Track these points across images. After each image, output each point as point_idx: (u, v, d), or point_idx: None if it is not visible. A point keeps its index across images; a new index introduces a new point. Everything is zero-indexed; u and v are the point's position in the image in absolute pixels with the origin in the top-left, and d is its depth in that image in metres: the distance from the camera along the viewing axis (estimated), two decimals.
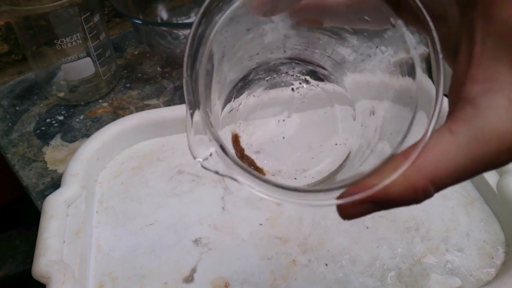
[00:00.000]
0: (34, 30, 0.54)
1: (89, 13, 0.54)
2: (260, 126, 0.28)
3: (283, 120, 0.28)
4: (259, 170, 0.27)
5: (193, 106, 0.22)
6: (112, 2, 0.58)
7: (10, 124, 0.57)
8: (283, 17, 0.24)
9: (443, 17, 0.19)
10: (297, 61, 0.27)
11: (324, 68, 0.26)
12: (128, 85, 0.62)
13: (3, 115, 0.59)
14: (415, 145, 0.17)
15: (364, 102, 0.26)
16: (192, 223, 0.44)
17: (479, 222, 0.43)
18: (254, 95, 0.27)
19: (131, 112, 0.57)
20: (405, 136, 0.19)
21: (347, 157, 0.26)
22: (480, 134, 0.16)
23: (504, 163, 0.17)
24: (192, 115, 0.22)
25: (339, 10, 0.21)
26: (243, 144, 0.28)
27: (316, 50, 0.26)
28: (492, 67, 0.16)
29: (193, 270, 0.40)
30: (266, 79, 0.27)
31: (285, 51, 0.27)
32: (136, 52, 0.68)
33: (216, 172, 0.22)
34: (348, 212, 0.18)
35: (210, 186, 0.47)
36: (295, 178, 0.27)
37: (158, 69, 0.65)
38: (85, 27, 0.54)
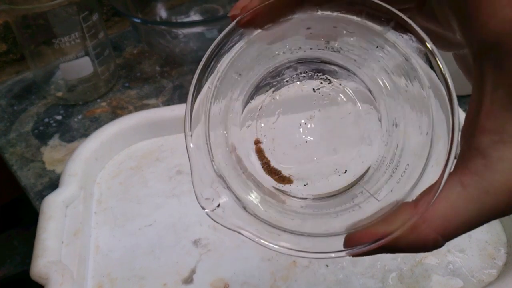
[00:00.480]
0: (32, 29, 0.54)
1: (87, 12, 0.54)
2: (282, 130, 0.27)
3: (305, 123, 0.27)
4: (286, 179, 0.27)
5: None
6: (111, 1, 0.57)
7: (8, 124, 0.57)
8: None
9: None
10: (311, 61, 0.26)
11: (341, 66, 0.26)
12: (126, 84, 0.62)
13: (1, 114, 0.58)
14: (425, 197, 0.17)
15: (387, 108, 0.25)
16: (191, 224, 0.43)
17: None
18: (273, 98, 0.27)
19: (129, 112, 0.57)
20: (417, 181, 0.19)
21: (367, 170, 0.25)
22: (490, 188, 0.16)
23: (506, 211, 0.17)
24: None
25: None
26: (268, 154, 0.27)
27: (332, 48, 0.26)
28: (502, 117, 0.16)
29: (193, 271, 0.40)
30: (285, 79, 0.27)
31: (297, 52, 0.26)
32: (135, 51, 0.68)
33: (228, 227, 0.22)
34: (356, 254, 0.19)
35: None
36: (317, 184, 0.27)
37: (157, 68, 0.64)
38: (83, 26, 0.54)
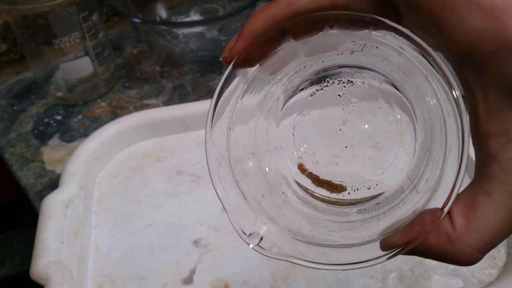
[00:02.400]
0: (32, 29, 0.54)
1: (87, 12, 0.54)
2: (320, 143, 0.28)
3: (340, 130, 0.27)
4: (339, 187, 0.27)
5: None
6: (111, 1, 0.57)
7: (8, 124, 0.57)
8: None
9: None
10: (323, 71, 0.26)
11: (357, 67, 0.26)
12: (126, 84, 0.62)
13: (1, 114, 0.58)
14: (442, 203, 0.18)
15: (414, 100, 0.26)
16: (191, 224, 0.43)
17: None
18: (303, 114, 0.27)
19: (129, 112, 0.57)
20: (435, 190, 0.19)
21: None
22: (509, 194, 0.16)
23: None
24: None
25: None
26: (312, 169, 0.28)
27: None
28: (501, 119, 0.16)
29: (193, 271, 0.40)
30: (310, 93, 0.27)
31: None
32: (135, 51, 0.68)
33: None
34: (393, 256, 0.19)
35: (210, 186, 0.46)
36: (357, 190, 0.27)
37: (157, 68, 0.64)
38: (83, 26, 0.54)
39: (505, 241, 0.41)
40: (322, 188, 0.27)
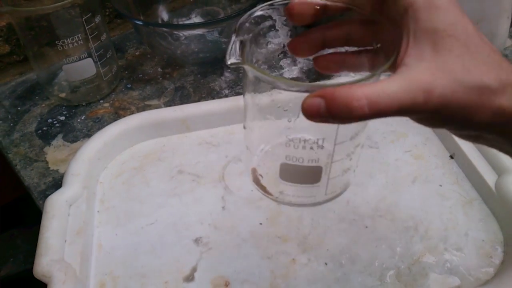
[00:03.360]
0: (35, 31, 0.54)
1: (90, 14, 0.55)
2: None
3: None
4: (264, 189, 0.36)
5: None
6: (113, 3, 0.58)
7: (11, 124, 0.58)
8: None
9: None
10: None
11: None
12: (129, 85, 0.62)
13: (4, 115, 0.59)
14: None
15: None
16: (192, 223, 0.44)
17: (477, 222, 0.43)
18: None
19: (132, 113, 0.57)
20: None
21: None
22: (407, 78, 0.24)
23: (420, 102, 0.24)
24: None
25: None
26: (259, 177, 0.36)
27: None
28: (420, 48, 0.25)
29: (194, 269, 0.40)
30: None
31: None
32: (137, 53, 0.68)
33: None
34: (305, 105, 0.25)
35: (210, 186, 0.47)
36: None
37: (159, 69, 0.65)
38: (86, 28, 0.55)
39: (501, 240, 0.41)
40: None
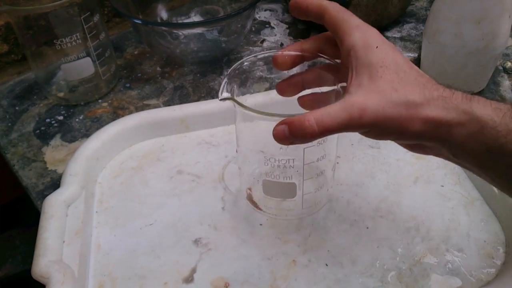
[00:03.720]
0: (33, 30, 0.54)
1: (88, 13, 0.54)
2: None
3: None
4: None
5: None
6: (112, 2, 0.58)
7: (9, 124, 0.57)
8: None
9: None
10: None
11: None
12: (127, 85, 0.62)
13: (2, 115, 0.59)
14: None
15: None
16: (192, 223, 0.44)
17: (479, 222, 0.43)
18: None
19: (130, 112, 0.57)
20: None
21: None
22: (347, 101, 0.30)
23: (355, 118, 0.30)
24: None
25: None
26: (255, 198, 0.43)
27: None
28: (359, 79, 0.31)
29: (193, 270, 0.40)
30: None
31: None
32: (136, 52, 0.68)
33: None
34: (275, 131, 0.31)
35: (210, 186, 0.47)
36: None
37: (158, 69, 0.65)
38: (84, 27, 0.54)
39: (503, 240, 0.41)
40: None
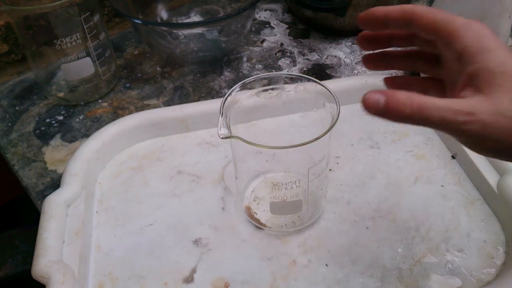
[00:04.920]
0: (33, 30, 0.54)
1: (88, 13, 0.54)
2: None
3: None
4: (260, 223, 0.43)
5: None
6: (111, 2, 0.58)
7: (9, 124, 0.57)
8: None
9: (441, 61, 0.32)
10: None
11: None
12: (127, 85, 0.62)
13: (2, 115, 0.59)
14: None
15: None
16: (192, 224, 0.44)
17: (479, 222, 0.43)
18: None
19: (130, 112, 0.57)
20: None
21: None
22: (457, 102, 0.27)
23: (460, 121, 0.26)
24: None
25: None
26: (253, 211, 0.44)
27: None
28: (475, 85, 0.27)
29: (193, 271, 0.40)
30: None
31: None
32: (136, 52, 0.68)
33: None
34: (366, 97, 0.27)
35: (210, 186, 0.47)
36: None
37: (158, 69, 0.65)
38: (84, 27, 0.54)
39: (503, 240, 0.41)
40: None
